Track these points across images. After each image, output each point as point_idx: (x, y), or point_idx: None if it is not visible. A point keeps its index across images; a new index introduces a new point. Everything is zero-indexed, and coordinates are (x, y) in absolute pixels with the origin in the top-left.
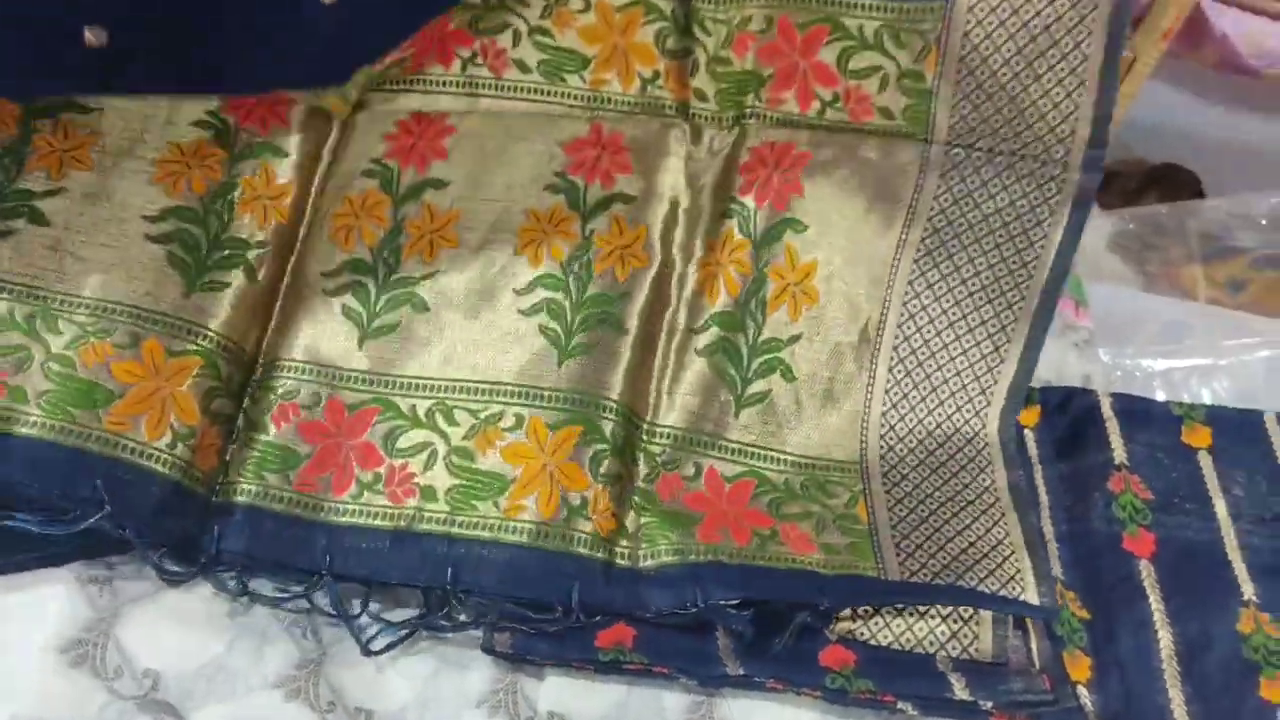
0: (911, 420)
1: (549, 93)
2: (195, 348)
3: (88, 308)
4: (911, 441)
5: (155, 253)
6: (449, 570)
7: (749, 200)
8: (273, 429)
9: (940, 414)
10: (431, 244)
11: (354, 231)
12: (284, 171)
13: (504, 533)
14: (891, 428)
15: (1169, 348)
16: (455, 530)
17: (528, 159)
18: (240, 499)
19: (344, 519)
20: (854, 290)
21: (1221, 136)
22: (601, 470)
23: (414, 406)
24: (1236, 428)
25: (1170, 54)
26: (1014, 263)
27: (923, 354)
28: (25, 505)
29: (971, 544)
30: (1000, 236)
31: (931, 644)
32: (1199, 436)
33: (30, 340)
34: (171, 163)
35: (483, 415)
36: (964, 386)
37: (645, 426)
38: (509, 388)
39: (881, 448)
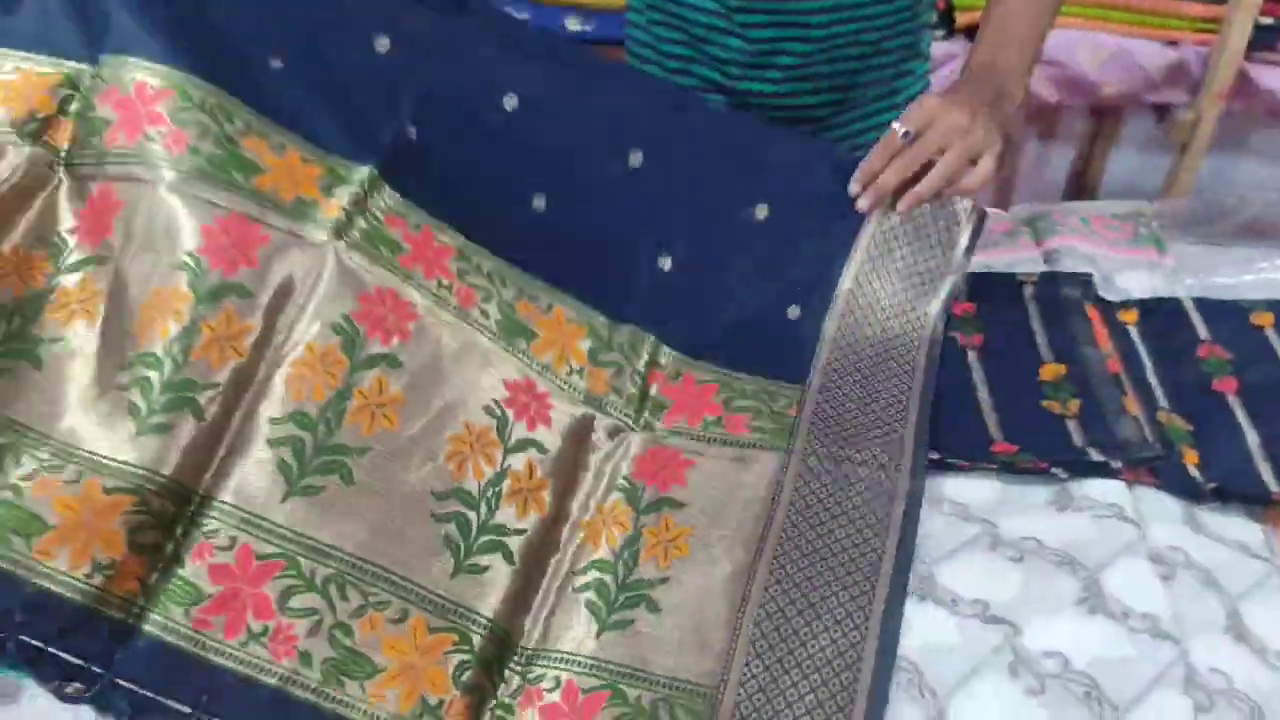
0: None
1: (504, 345)
2: (130, 486)
3: (50, 447)
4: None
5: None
6: None
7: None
8: (189, 564)
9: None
10: (372, 417)
11: (307, 384)
12: (249, 312)
13: (364, 717)
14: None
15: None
16: (324, 703)
17: (476, 373)
18: (146, 628)
19: (225, 662)
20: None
21: None
22: (463, 679)
23: (314, 571)
24: None
25: None
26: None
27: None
28: None
29: None
30: (852, 526)
31: None
32: (1264, 319)
33: None
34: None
35: (372, 600)
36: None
37: (518, 650)
38: (403, 583)
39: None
